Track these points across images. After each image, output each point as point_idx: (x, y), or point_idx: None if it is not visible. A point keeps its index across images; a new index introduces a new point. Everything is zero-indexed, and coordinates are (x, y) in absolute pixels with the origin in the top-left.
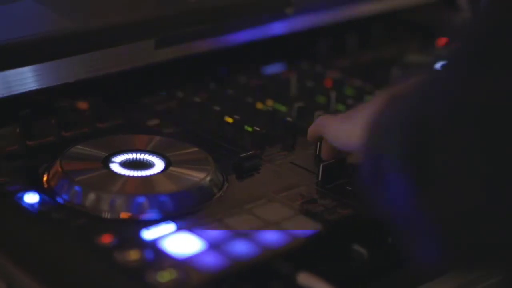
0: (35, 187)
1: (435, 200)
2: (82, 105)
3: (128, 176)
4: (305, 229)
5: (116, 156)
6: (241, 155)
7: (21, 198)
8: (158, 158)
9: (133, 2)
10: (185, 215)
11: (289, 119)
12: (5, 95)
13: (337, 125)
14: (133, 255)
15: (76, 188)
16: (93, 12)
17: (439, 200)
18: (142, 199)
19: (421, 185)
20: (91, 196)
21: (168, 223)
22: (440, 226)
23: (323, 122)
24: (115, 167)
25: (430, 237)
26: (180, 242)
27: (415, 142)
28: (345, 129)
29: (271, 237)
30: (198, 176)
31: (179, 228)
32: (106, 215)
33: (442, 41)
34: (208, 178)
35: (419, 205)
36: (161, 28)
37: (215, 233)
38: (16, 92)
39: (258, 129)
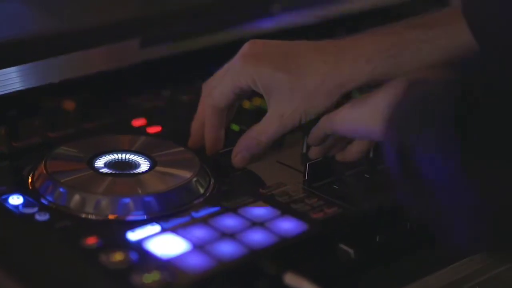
0: (20, 188)
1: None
2: (68, 105)
3: (113, 177)
4: (291, 228)
5: (101, 157)
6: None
7: (6, 200)
8: (143, 159)
9: (117, 2)
10: (171, 216)
11: None
12: None
13: (345, 114)
14: (118, 256)
15: (61, 189)
16: (78, 12)
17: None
18: (127, 200)
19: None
20: (76, 198)
21: (153, 224)
22: (485, 197)
23: (329, 117)
24: (100, 168)
25: (473, 211)
26: (165, 243)
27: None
28: (355, 117)
29: (257, 237)
30: (184, 176)
31: (164, 229)
32: (91, 216)
33: None
34: (194, 178)
35: (464, 172)
36: (146, 27)
37: (200, 234)
38: (1, 93)
39: (244, 128)
